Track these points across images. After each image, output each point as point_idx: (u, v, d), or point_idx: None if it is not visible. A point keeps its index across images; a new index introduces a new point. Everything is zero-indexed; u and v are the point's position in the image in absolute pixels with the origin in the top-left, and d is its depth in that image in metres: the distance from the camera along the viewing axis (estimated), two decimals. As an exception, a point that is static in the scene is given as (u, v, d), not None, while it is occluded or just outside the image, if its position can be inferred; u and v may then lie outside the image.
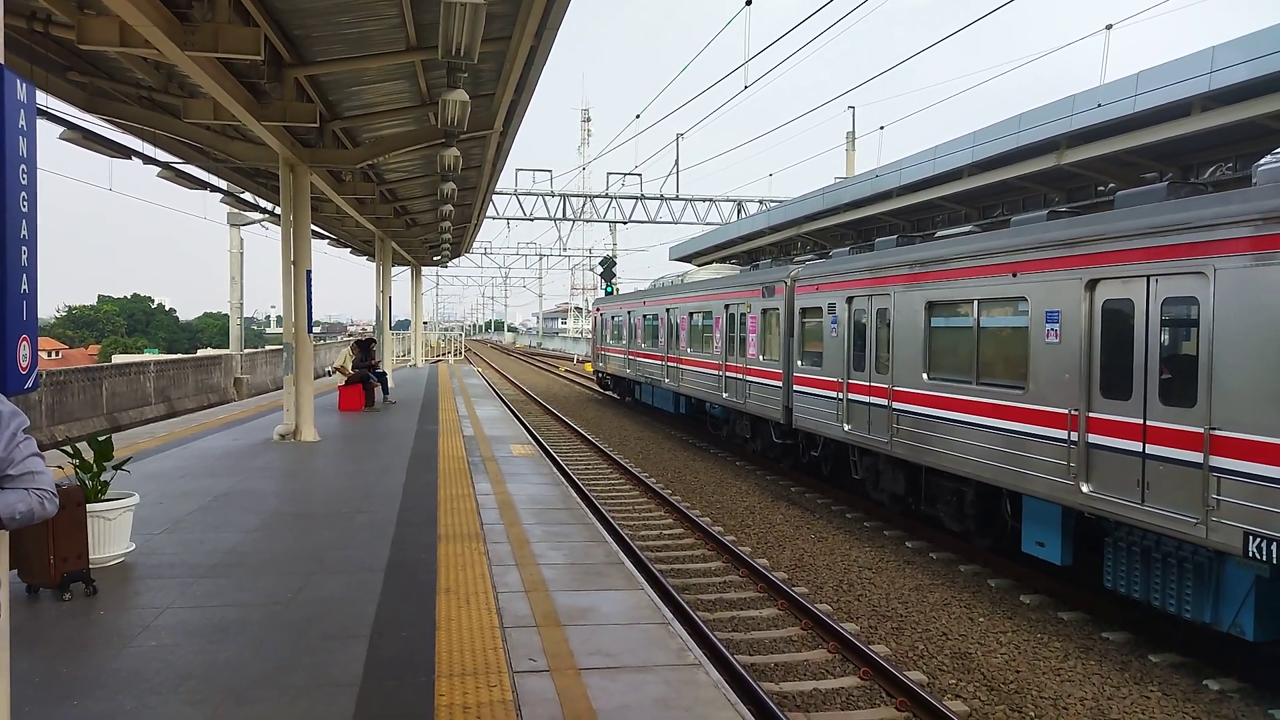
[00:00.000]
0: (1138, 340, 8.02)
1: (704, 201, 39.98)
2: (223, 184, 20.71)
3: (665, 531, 12.78)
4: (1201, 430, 7.23)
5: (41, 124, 11.43)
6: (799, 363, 15.31)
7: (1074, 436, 8.65)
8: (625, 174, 39.47)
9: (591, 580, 7.01)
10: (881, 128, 32.82)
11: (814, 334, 14.90)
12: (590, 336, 43.50)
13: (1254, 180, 7.61)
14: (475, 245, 52.62)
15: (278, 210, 20.03)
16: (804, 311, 15.28)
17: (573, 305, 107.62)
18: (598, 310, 35.04)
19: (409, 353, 42.13)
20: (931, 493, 11.80)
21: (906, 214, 24.12)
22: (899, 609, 9.39)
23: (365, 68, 11.86)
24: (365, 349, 20.79)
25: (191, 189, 18.89)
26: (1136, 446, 7.94)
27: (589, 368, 41.79)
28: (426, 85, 12.89)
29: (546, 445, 19.31)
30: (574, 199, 41.53)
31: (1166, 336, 7.87)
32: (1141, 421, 7.92)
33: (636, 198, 39.60)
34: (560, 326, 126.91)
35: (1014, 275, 9.70)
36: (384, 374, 21.77)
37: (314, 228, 22.21)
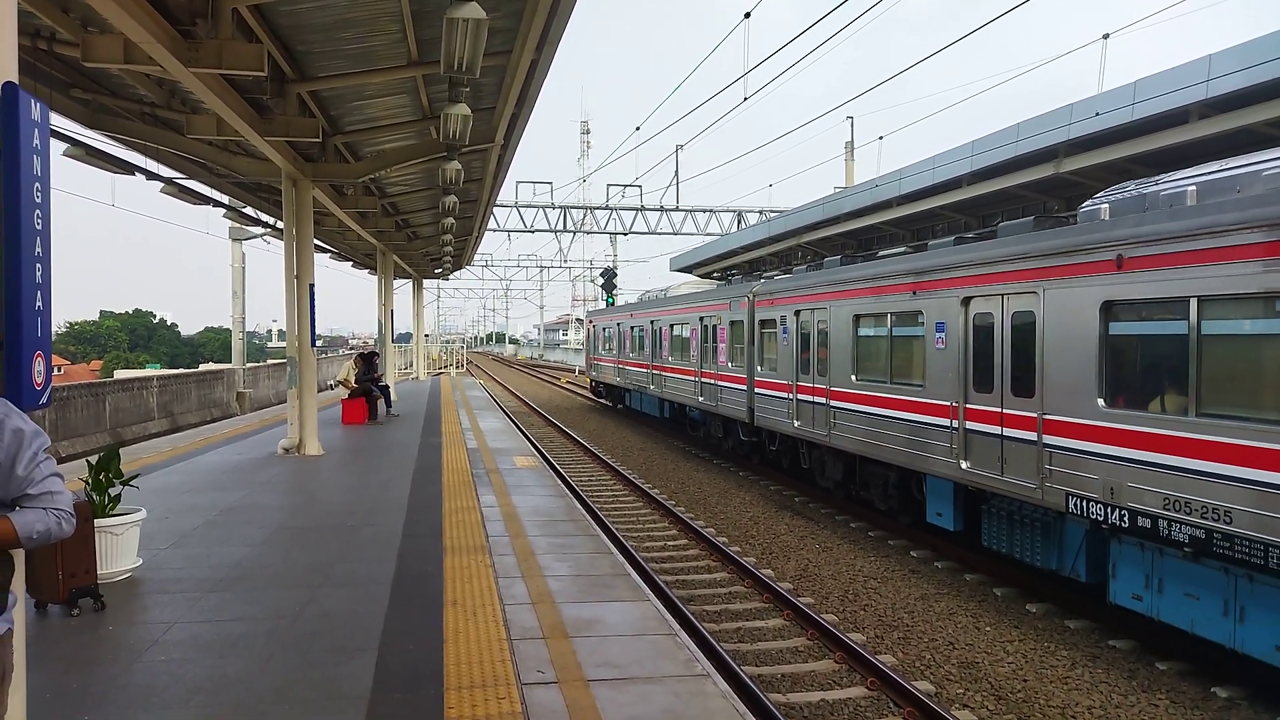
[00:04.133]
0: (997, 346, 10.04)
1: (704, 212, 40.06)
2: (225, 199, 20.77)
3: (670, 543, 12.78)
4: (1036, 415, 9.28)
5: (46, 141, 11.43)
6: (759, 368, 17.19)
7: (955, 424, 10.71)
8: (625, 185, 39.49)
9: (598, 592, 7.02)
10: (880, 137, 32.92)
11: (770, 343, 16.73)
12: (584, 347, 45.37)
13: (1077, 219, 9.51)
14: (476, 258, 52.75)
15: (280, 224, 20.09)
16: (762, 323, 17.16)
17: (574, 317, 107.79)
18: (590, 322, 37.13)
19: (411, 365, 42.14)
20: (864, 478, 13.62)
21: (906, 223, 24.19)
22: (905, 619, 9.39)
23: (367, 83, 11.93)
24: (368, 362, 20.82)
25: (194, 204, 18.94)
26: (997, 430, 9.96)
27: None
28: (428, 99, 12.96)
29: (550, 457, 19.30)
30: (574, 211, 41.62)
31: (1015, 343, 9.80)
32: (1000, 410, 9.94)
33: (637, 209, 39.65)
34: (561, 338, 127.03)
35: (914, 293, 11.74)
36: (387, 387, 21.80)
37: (316, 241, 22.27)
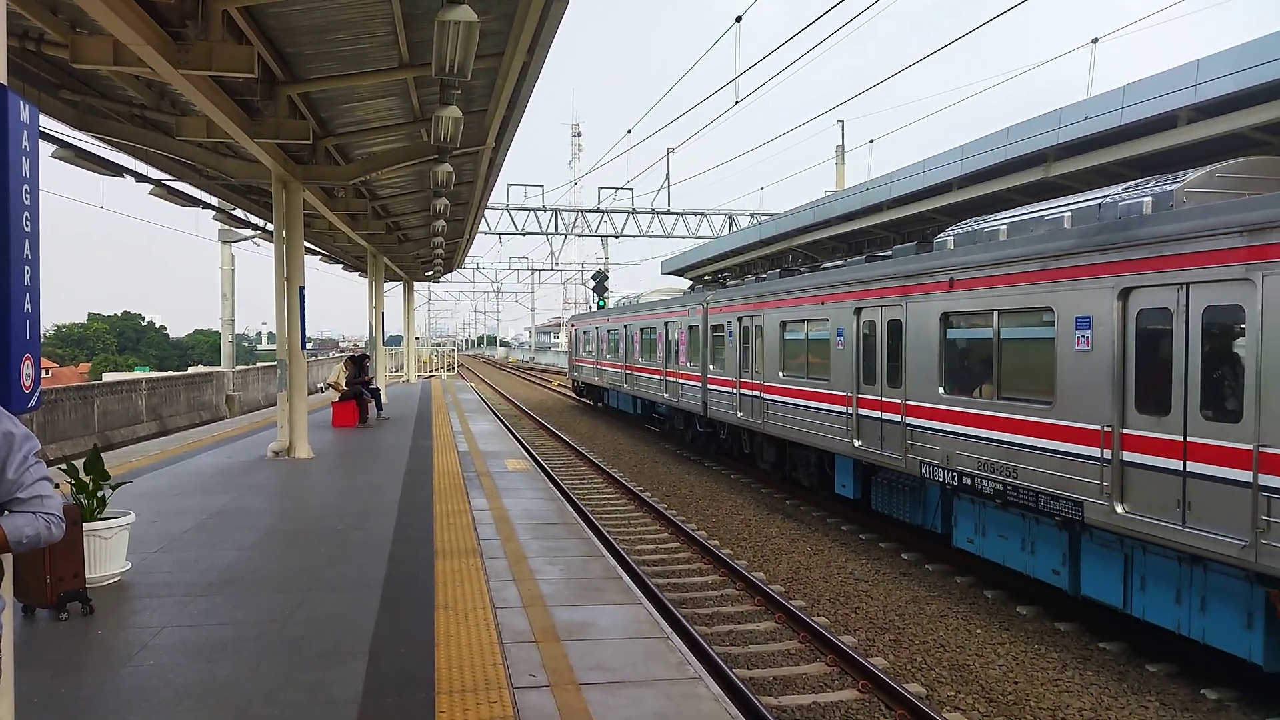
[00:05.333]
0: (877, 346, 12.30)
1: (696, 215, 40.11)
2: (215, 201, 20.69)
3: (661, 546, 12.77)
4: (901, 402, 11.58)
5: (34, 143, 11.37)
6: (711, 367, 19.46)
7: (850, 410, 12.99)
8: (617, 188, 39.54)
9: (589, 595, 7.01)
10: (871, 141, 33.00)
11: (720, 345, 19.04)
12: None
13: (934, 246, 11.77)
14: (467, 260, 52.67)
15: (270, 226, 20.03)
16: (714, 328, 19.43)
17: (565, 319, 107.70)
18: (573, 326, 39.21)
19: (402, 368, 42.05)
20: (793, 460, 15.95)
21: (897, 227, 24.25)
22: (896, 621, 9.40)
23: (358, 85, 11.90)
24: (359, 365, 20.76)
25: (184, 206, 18.88)
26: (878, 414, 12.26)
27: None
28: (419, 102, 12.94)
29: (541, 460, 19.28)
30: (566, 214, 41.62)
31: (889, 344, 12.00)
32: (879, 398, 12.23)
33: (628, 212, 39.69)
34: (553, 341, 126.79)
35: (822, 304, 14.04)
36: (378, 390, 21.74)
37: (306, 244, 22.20)
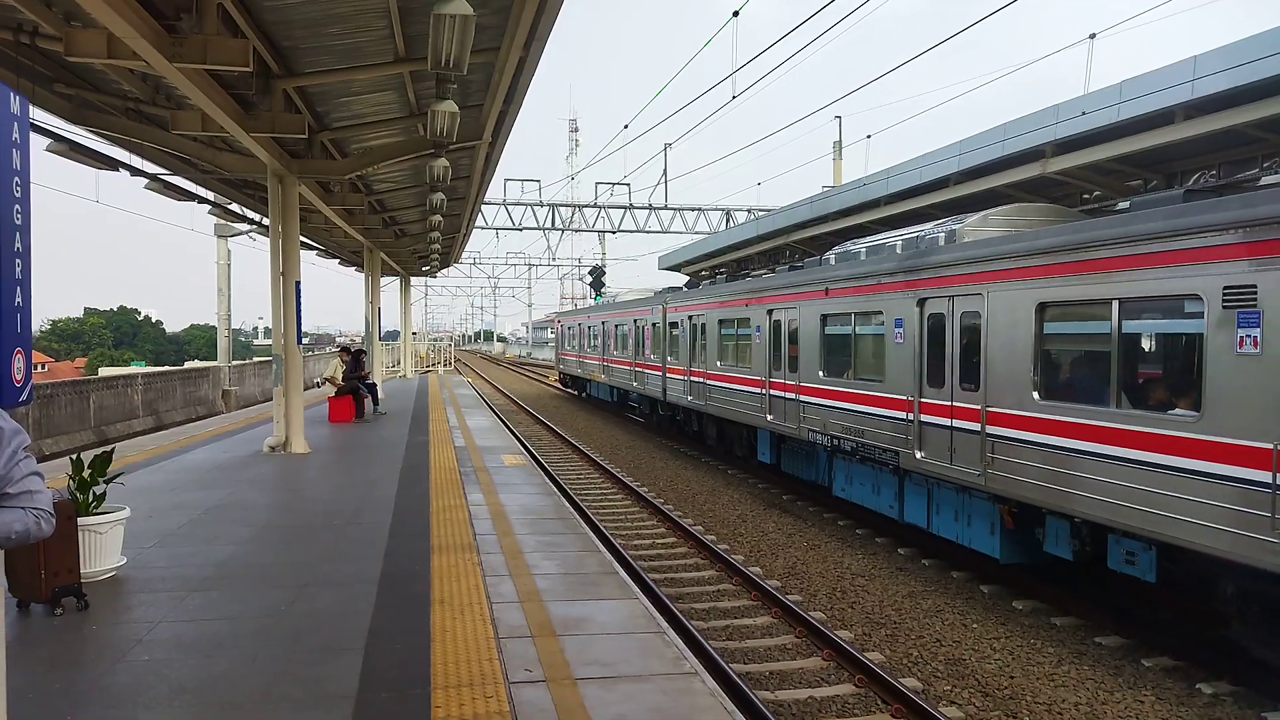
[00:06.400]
0: (783, 339, 15.25)
1: (692, 211, 40.05)
2: (210, 195, 20.62)
3: (658, 540, 12.77)
4: (797, 384, 14.61)
5: (29, 136, 11.31)
6: (669, 359, 22.65)
7: (764, 392, 15.99)
8: (614, 184, 39.48)
9: (586, 590, 7.01)
10: (868, 136, 32.87)
11: (675, 339, 22.17)
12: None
13: (832, 260, 14.42)
14: (464, 255, 52.59)
15: (266, 221, 19.97)
16: (671, 325, 22.57)
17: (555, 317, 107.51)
18: (559, 322, 43.11)
19: (398, 363, 41.99)
20: (730, 435, 18.92)
21: (893, 222, 24.19)
22: (892, 616, 9.41)
23: (354, 79, 11.86)
24: (356, 360, 20.73)
25: (179, 200, 18.81)
26: (781, 394, 15.27)
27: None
28: (415, 96, 12.90)
29: (538, 455, 19.27)
30: (562, 209, 41.54)
31: (790, 338, 14.96)
32: (785, 382, 15.12)
33: (625, 207, 39.59)
34: (550, 336, 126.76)
35: (747, 305, 17.05)
36: (374, 385, 21.71)
37: (302, 239, 22.16)
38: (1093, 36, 18.63)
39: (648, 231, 40.21)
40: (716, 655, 7.68)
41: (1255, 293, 6.78)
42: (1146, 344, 8.58)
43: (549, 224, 41.05)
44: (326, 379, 21.44)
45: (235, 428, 18.49)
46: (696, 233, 40.31)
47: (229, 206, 22.69)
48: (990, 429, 9.63)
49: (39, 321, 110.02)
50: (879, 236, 13.75)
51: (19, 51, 10.31)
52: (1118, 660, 8.15)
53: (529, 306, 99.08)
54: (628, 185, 39.59)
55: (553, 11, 8.98)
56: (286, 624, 6.03)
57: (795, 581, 10.76)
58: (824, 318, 13.67)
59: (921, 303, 10.95)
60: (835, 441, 13.12)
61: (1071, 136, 15.56)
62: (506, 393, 41.24)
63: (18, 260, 3.16)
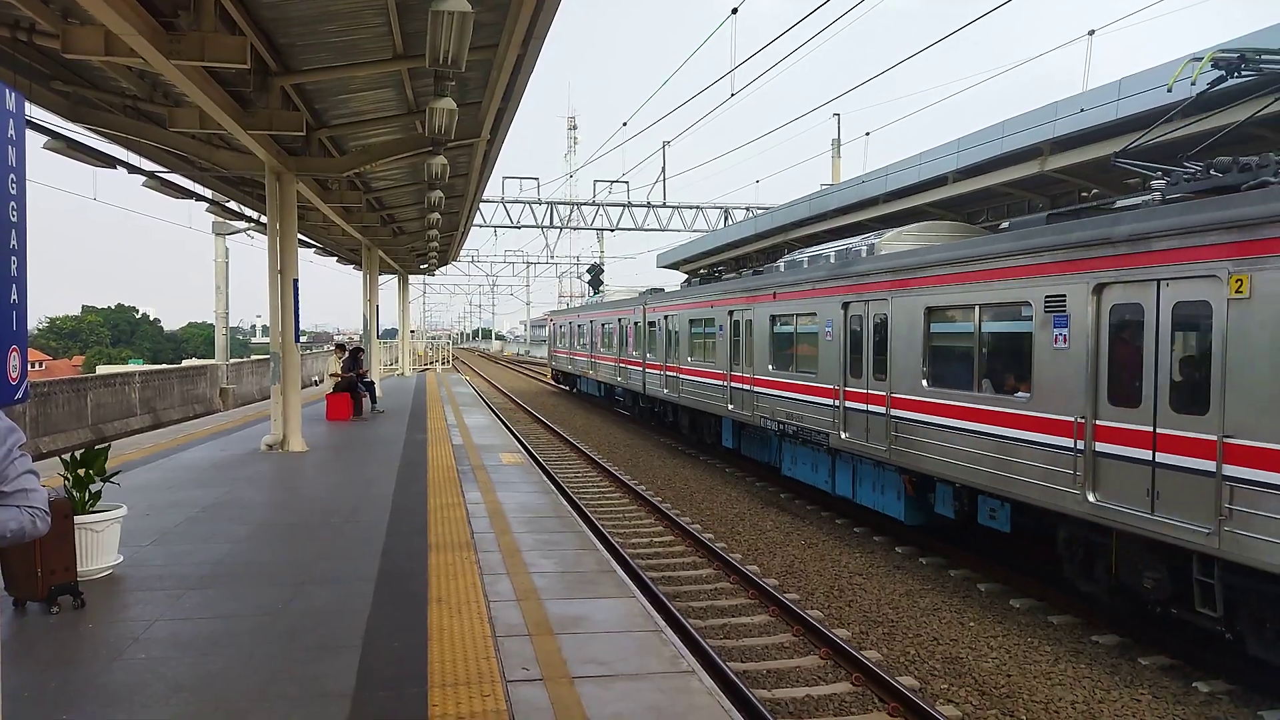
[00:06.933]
0: (740, 337, 17.24)
1: (691, 209, 40.03)
2: (208, 193, 20.59)
3: (656, 539, 12.77)
4: (751, 376, 16.57)
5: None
6: (648, 355, 24.54)
7: (726, 384, 17.94)
8: (612, 181, 39.39)
9: (583, 588, 7.00)
10: (867, 134, 32.91)
11: (653, 337, 24.12)
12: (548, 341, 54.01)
13: (781, 268, 16.48)
14: (462, 253, 52.52)
15: (263, 219, 19.94)
16: (650, 324, 24.48)
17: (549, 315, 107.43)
18: (551, 320, 45.11)
19: (396, 361, 41.97)
20: (699, 424, 20.92)
21: (892, 220, 24.21)
22: (890, 614, 9.41)
23: (352, 76, 11.84)
24: (353, 358, 20.72)
25: (177, 198, 18.79)
26: (740, 386, 17.19)
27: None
28: (413, 93, 12.88)
29: (535, 453, 19.26)
30: (561, 207, 41.51)
31: (745, 336, 16.96)
32: (742, 374, 17.07)
33: (624, 205, 39.57)
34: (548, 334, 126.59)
35: (711, 306, 19.09)
36: (372, 383, 21.69)
37: (300, 236, 22.10)
38: (1092, 33, 18.63)
39: (646, 229, 40.20)
40: (714, 654, 7.67)
41: (1065, 300, 8.65)
42: (999, 341, 10.22)
43: (547, 221, 41.02)
44: (331, 374, 21.44)
45: (233, 426, 18.47)
46: (695, 231, 40.31)
47: (227, 204, 22.66)
48: (894, 412, 11.63)
49: (36, 319, 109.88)
50: (822, 246, 16.09)
51: (16, 48, 10.28)
52: (1115, 659, 8.15)
53: (527, 305, 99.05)
54: (626, 183, 39.59)
55: (551, 9, 8.96)
56: (283, 622, 6.02)
57: (793, 580, 10.76)
58: (773, 318, 15.75)
59: (845, 306, 12.98)
60: (782, 426, 15.09)
61: (1070, 134, 15.57)
62: (505, 391, 41.22)
63: (13, 258, 3.15)
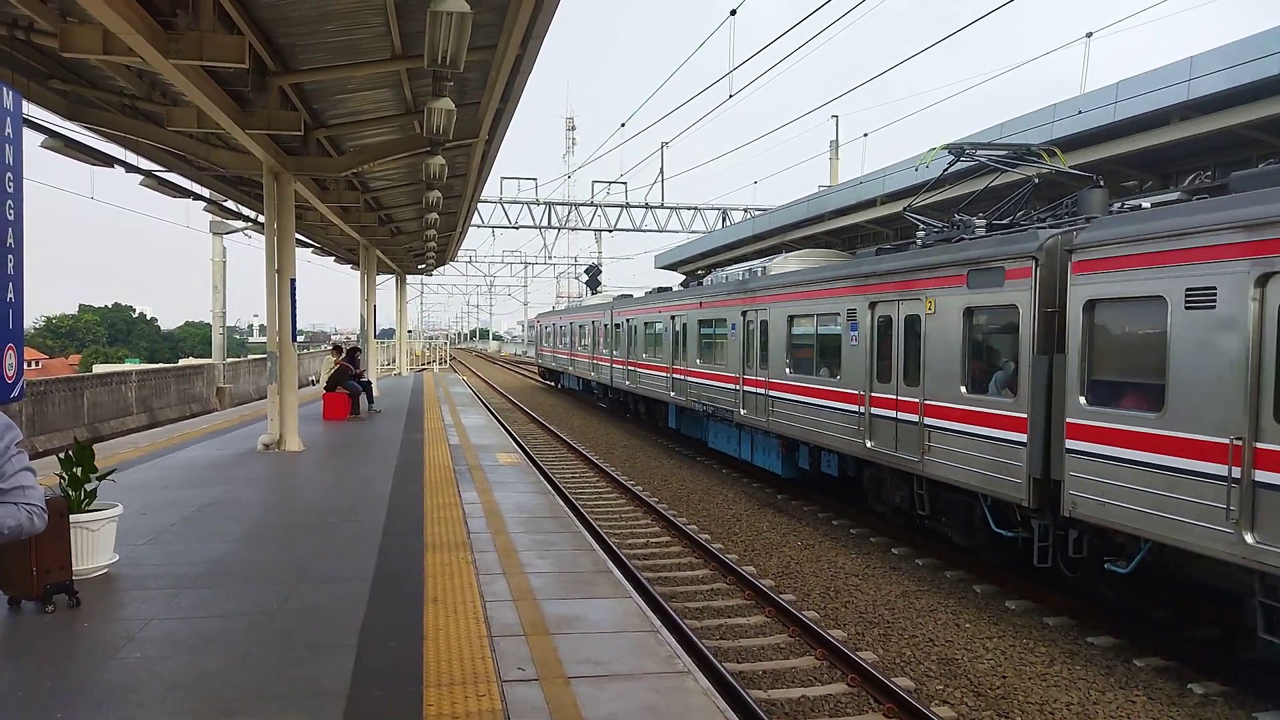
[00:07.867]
0: (679, 337, 20.86)
1: (689, 210, 40.04)
2: (206, 192, 20.58)
3: (652, 539, 12.77)
4: (685, 368, 20.28)
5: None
6: (615, 352, 28.19)
7: (669, 376, 21.41)
8: (610, 182, 39.40)
9: (579, 588, 7.00)
10: (865, 135, 32.90)
11: (619, 336, 27.60)
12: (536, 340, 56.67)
13: (705, 282, 21.30)
14: (460, 253, 52.52)
15: (261, 218, 19.92)
16: (616, 325, 28.06)
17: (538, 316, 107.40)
18: (539, 322, 48.22)
19: (393, 361, 41.95)
20: (653, 410, 24.74)
21: (889, 222, 24.25)
22: (886, 615, 9.42)
23: (350, 76, 11.83)
24: (350, 357, 20.70)
25: (174, 197, 18.77)
26: (680, 377, 20.68)
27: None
28: (412, 93, 12.88)
29: (532, 453, 19.24)
30: (559, 207, 41.52)
31: (682, 337, 20.58)
32: (684, 368, 20.41)
33: (622, 206, 39.58)
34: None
35: (659, 312, 22.79)
36: (369, 383, 21.67)
37: (298, 236, 22.11)
38: (1089, 35, 18.66)
39: (644, 230, 40.20)
40: (709, 654, 7.68)
41: (856, 312, 12.42)
42: (825, 340, 13.67)
43: (545, 222, 41.02)
44: (331, 369, 21.42)
45: (229, 425, 18.46)
46: (693, 232, 40.33)
47: (224, 204, 22.64)
48: (770, 392, 15.31)
49: (33, 318, 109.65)
50: (736, 267, 20.19)
51: (14, 47, 10.26)
52: (1109, 660, 8.17)
53: (525, 305, 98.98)
54: (624, 184, 39.62)
55: (550, 9, 8.97)
56: (279, 622, 6.02)
57: (789, 581, 10.76)
58: (700, 322, 19.57)
59: (744, 313, 16.71)
60: (706, 408, 18.81)
61: (1068, 137, 15.60)
62: (502, 391, 41.20)
63: (9, 256, 3.16)
